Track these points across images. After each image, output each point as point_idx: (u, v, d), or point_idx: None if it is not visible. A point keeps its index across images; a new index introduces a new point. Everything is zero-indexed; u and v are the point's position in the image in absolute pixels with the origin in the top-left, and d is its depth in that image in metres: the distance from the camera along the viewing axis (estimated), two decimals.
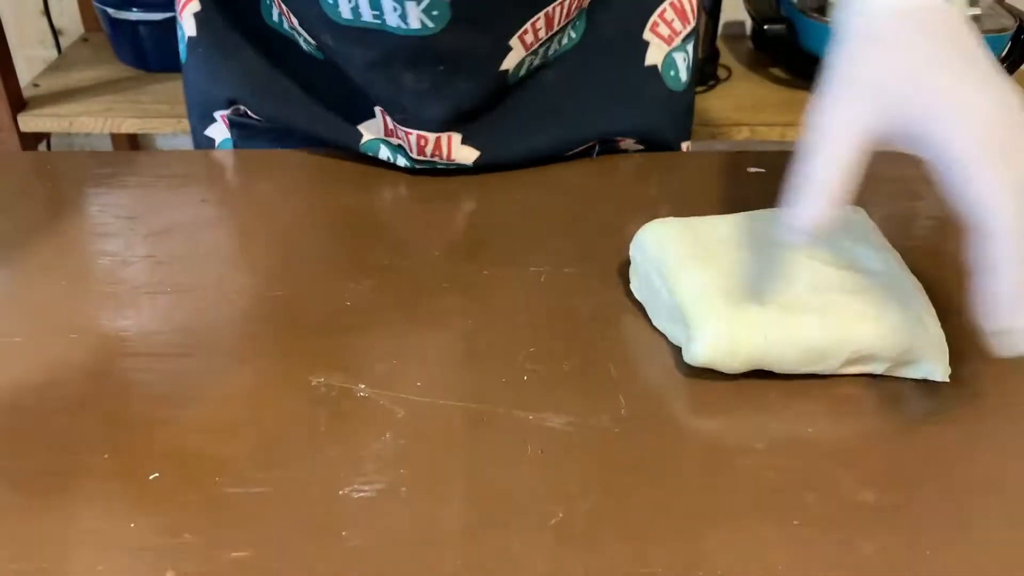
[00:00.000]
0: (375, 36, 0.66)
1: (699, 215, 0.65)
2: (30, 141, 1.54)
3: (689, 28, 0.77)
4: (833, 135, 0.45)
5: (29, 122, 1.50)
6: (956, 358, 0.53)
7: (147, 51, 1.62)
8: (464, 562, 0.43)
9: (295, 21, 0.71)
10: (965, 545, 0.44)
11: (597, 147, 0.78)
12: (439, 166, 0.74)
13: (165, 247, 0.66)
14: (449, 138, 0.72)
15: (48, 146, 1.69)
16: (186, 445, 0.49)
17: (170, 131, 1.52)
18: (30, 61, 1.81)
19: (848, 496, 0.46)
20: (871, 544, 0.44)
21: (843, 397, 0.52)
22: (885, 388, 0.53)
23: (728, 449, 0.49)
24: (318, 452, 0.49)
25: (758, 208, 0.61)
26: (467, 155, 0.73)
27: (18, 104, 1.51)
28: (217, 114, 0.81)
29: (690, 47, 0.78)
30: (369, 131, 0.74)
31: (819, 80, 0.48)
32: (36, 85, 1.59)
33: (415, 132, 0.71)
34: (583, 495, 0.46)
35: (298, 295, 0.60)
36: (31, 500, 0.46)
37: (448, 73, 0.69)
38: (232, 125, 0.81)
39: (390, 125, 0.73)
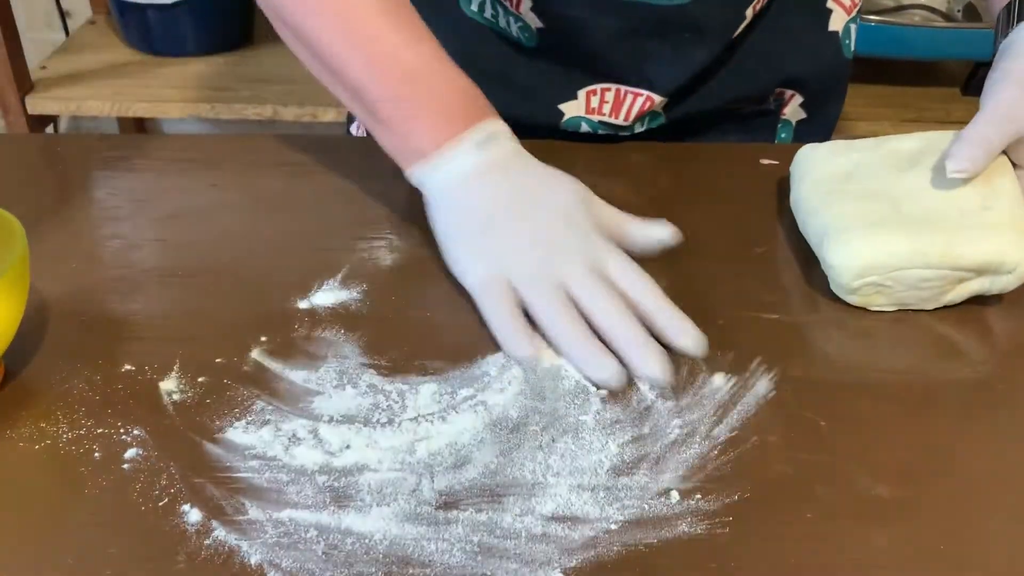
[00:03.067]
0: (631, 7, 0.73)
1: (712, 206, 0.65)
2: (38, 124, 1.54)
3: (861, 2, 0.83)
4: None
5: (37, 104, 1.50)
6: None
7: (155, 35, 1.61)
8: None
9: (523, 3, 0.74)
10: (975, 540, 0.44)
11: (772, 101, 0.83)
12: (621, 133, 0.79)
13: (175, 231, 0.66)
14: (660, 100, 0.78)
15: (55, 129, 1.68)
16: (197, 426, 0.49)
17: (177, 115, 1.52)
18: (38, 44, 1.81)
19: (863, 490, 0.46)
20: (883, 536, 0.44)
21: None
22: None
23: None
24: None
25: (773, 200, 0.60)
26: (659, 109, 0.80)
27: (26, 86, 1.51)
28: None
29: (856, 23, 0.83)
30: (570, 110, 0.79)
31: None
32: (44, 68, 1.59)
33: (644, 93, 0.77)
34: None
35: (307, 279, 0.60)
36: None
37: (690, 41, 0.75)
38: None
39: (593, 104, 0.78)
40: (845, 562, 0.43)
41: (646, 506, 0.45)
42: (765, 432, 0.49)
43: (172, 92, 1.52)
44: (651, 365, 0.52)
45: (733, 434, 0.49)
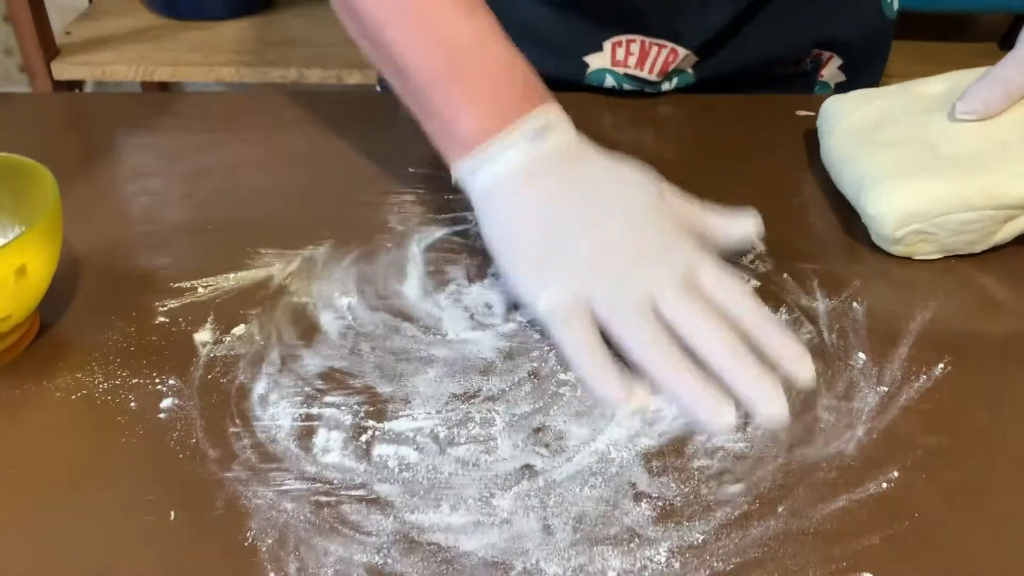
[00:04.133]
0: None
1: (744, 158, 0.63)
2: (64, 89, 1.54)
3: None
4: None
5: (62, 70, 1.50)
6: None
7: None
8: None
9: None
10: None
11: (808, 63, 0.81)
12: (648, 89, 0.77)
13: (203, 186, 0.65)
14: (684, 54, 0.75)
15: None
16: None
17: (202, 79, 1.51)
18: (62, 10, 1.80)
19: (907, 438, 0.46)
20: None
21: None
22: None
23: None
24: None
25: (806, 152, 0.59)
26: (688, 67, 0.77)
27: (51, 52, 1.50)
28: None
29: None
30: (595, 63, 0.76)
31: None
32: (68, 33, 1.59)
33: (669, 46, 0.74)
34: None
35: (343, 232, 0.59)
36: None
37: None
38: None
39: (619, 56, 0.75)
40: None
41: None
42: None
43: (196, 56, 1.52)
44: (771, 405, 0.45)
45: None
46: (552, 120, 0.54)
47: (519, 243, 0.52)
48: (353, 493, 0.43)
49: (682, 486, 0.43)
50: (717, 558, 0.40)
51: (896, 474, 0.44)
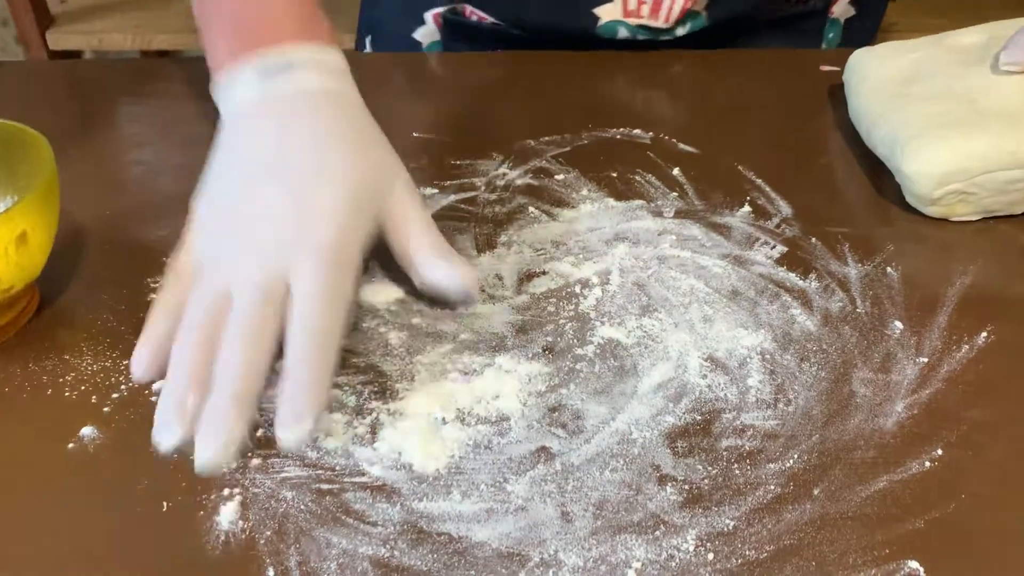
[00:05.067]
0: None
1: (765, 116, 0.60)
2: (60, 60, 1.50)
3: None
4: None
5: (58, 39, 1.47)
6: None
7: None
8: None
9: None
10: None
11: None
12: (662, 38, 0.74)
13: (199, 156, 0.62)
14: None
15: None
16: None
17: (199, 48, 1.47)
18: None
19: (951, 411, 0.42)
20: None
21: None
22: None
23: None
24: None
25: (830, 109, 0.56)
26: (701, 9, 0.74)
27: (46, 21, 1.47)
28: (429, 14, 0.78)
29: None
30: (606, 14, 0.73)
31: None
32: (63, 2, 1.55)
33: None
34: None
35: None
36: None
37: None
38: (445, 24, 0.78)
39: (631, 6, 0.72)
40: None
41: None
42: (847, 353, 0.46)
43: (194, 24, 1.47)
44: (208, 446, 0.39)
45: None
46: (302, 61, 0.49)
47: (213, 185, 0.48)
48: (357, 480, 0.40)
49: (710, 468, 0.40)
50: (749, 546, 0.37)
51: (940, 452, 0.41)
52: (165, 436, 0.40)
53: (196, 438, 0.39)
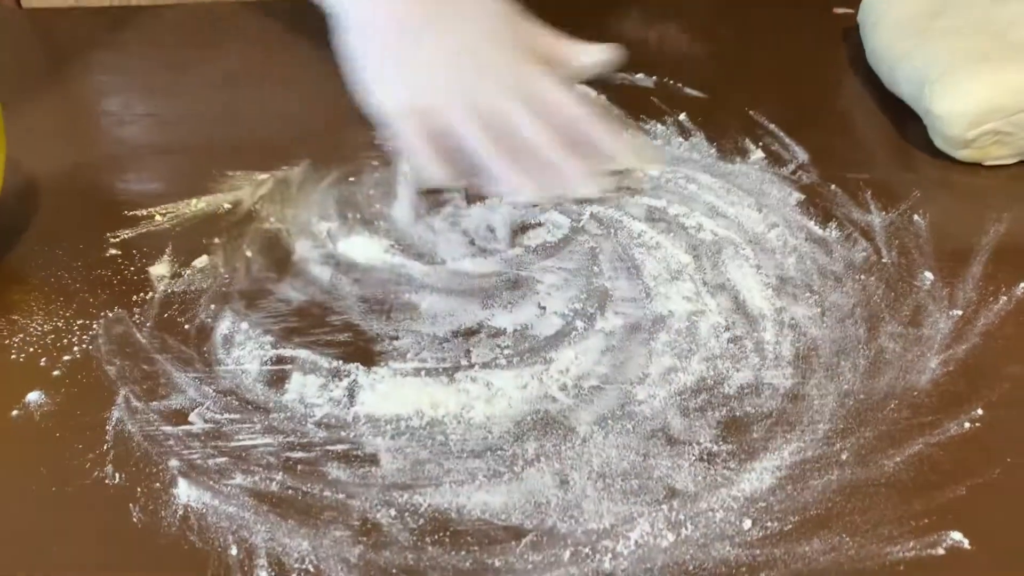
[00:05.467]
0: None
1: (778, 59, 0.56)
2: None
3: None
4: None
5: None
6: None
7: None
8: None
9: None
10: None
11: None
12: None
13: (166, 105, 0.58)
14: None
15: None
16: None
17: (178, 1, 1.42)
18: None
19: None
20: None
21: None
22: None
23: None
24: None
25: (844, 51, 0.54)
26: None
27: None
28: None
29: None
30: None
31: None
32: None
33: None
34: None
35: (322, 151, 0.52)
36: None
37: None
38: None
39: None
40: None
41: None
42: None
43: None
44: (576, 183, 0.48)
45: None
46: None
47: (371, 54, 0.51)
48: (335, 449, 0.36)
49: (724, 431, 0.36)
50: (771, 516, 0.33)
51: (980, 411, 0.37)
52: (521, 190, 0.48)
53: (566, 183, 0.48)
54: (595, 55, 0.52)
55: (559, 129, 0.48)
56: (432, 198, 0.49)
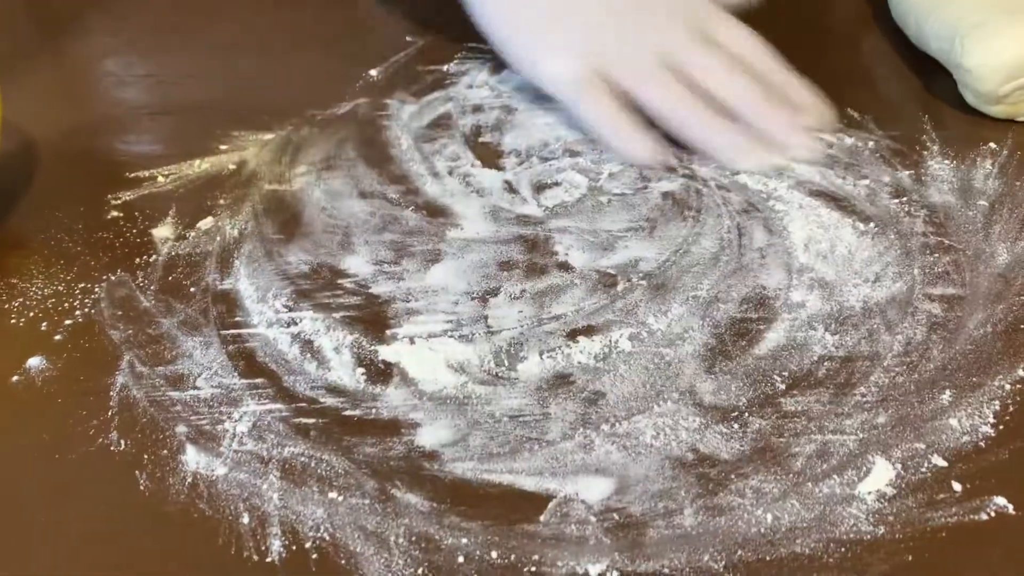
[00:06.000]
0: None
1: (800, 18, 0.54)
2: None
3: None
4: None
5: None
6: None
7: None
8: None
9: None
10: None
11: None
12: None
13: (170, 67, 0.56)
14: None
15: None
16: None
17: None
18: None
19: None
20: None
21: None
22: None
23: None
24: None
25: (863, 9, 0.51)
26: None
27: None
28: None
29: None
30: None
31: None
32: None
33: None
34: None
35: (329, 110, 0.50)
36: None
37: None
38: None
39: None
40: None
41: None
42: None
43: None
44: (796, 137, 0.45)
45: None
46: None
47: (523, 20, 0.48)
48: (348, 414, 0.35)
49: (758, 394, 0.35)
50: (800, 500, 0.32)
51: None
52: (751, 157, 0.44)
53: (779, 140, 0.45)
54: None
55: (756, 79, 0.45)
56: (446, 155, 0.47)
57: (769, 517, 0.30)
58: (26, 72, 0.54)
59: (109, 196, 0.45)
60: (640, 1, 0.47)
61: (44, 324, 0.39)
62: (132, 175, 0.46)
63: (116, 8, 0.62)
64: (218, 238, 0.42)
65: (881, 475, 0.32)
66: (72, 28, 0.60)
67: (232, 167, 0.47)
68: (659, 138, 0.45)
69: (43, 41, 0.59)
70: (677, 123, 0.45)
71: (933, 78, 0.50)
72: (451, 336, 0.37)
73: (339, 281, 0.40)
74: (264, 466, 0.33)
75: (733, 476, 0.32)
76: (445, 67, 0.53)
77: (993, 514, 0.30)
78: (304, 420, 0.34)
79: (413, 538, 0.30)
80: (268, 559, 0.30)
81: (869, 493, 0.31)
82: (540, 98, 0.50)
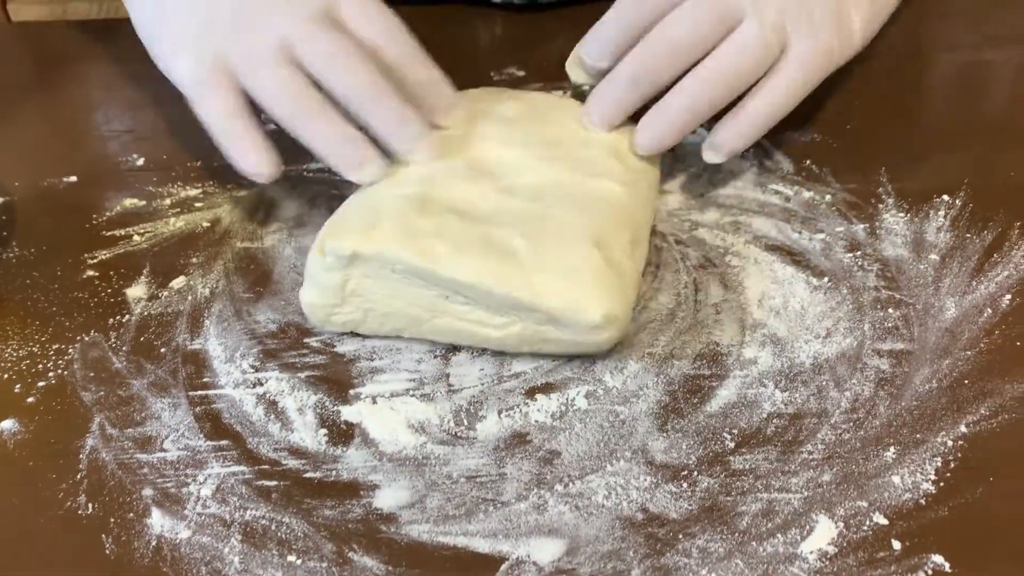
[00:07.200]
0: None
1: None
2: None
3: None
4: None
5: (20, 11, 1.40)
6: None
7: None
8: None
9: None
10: None
11: None
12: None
13: (146, 120, 0.57)
14: None
15: None
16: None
17: None
18: None
19: None
20: None
21: None
22: None
23: None
24: None
25: None
26: None
27: None
28: None
29: None
30: None
31: None
32: None
33: None
34: None
35: (304, 165, 0.51)
36: None
37: None
38: None
39: None
40: None
41: None
42: None
43: None
44: (413, 143, 0.41)
45: None
46: None
47: (163, 16, 0.46)
48: (310, 476, 0.36)
49: (707, 452, 0.36)
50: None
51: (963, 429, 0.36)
52: (367, 168, 0.41)
53: (397, 144, 0.41)
54: None
55: (376, 63, 0.41)
56: None
57: None
58: (13, 124, 0.56)
59: (86, 255, 0.46)
60: None
61: (18, 386, 0.40)
62: (108, 233, 0.48)
63: (102, 61, 0.63)
64: (190, 297, 0.44)
65: (824, 533, 0.33)
66: (58, 82, 0.61)
67: (206, 224, 0.48)
68: (271, 147, 0.42)
69: (29, 95, 0.60)
70: (284, 117, 0.41)
71: (892, 129, 0.52)
72: (413, 395, 0.38)
73: (305, 340, 0.41)
74: (226, 529, 0.34)
75: (680, 536, 0.33)
76: None
77: (931, 572, 0.32)
78: (266, 482, 0.35)
79: None
80: None
81: (811, 552, 0.32)
82: None
